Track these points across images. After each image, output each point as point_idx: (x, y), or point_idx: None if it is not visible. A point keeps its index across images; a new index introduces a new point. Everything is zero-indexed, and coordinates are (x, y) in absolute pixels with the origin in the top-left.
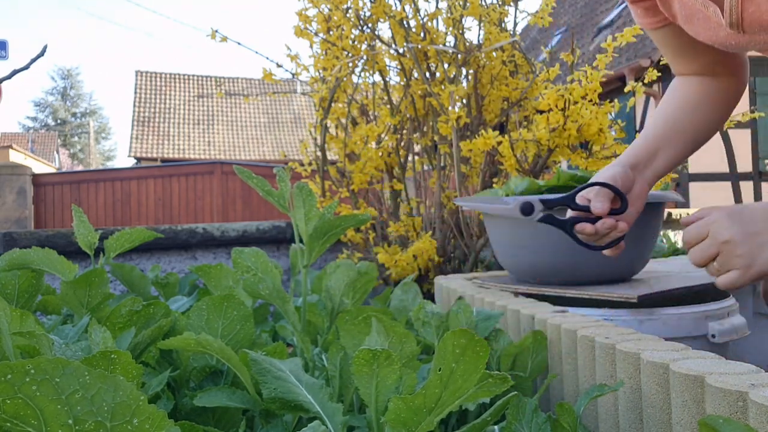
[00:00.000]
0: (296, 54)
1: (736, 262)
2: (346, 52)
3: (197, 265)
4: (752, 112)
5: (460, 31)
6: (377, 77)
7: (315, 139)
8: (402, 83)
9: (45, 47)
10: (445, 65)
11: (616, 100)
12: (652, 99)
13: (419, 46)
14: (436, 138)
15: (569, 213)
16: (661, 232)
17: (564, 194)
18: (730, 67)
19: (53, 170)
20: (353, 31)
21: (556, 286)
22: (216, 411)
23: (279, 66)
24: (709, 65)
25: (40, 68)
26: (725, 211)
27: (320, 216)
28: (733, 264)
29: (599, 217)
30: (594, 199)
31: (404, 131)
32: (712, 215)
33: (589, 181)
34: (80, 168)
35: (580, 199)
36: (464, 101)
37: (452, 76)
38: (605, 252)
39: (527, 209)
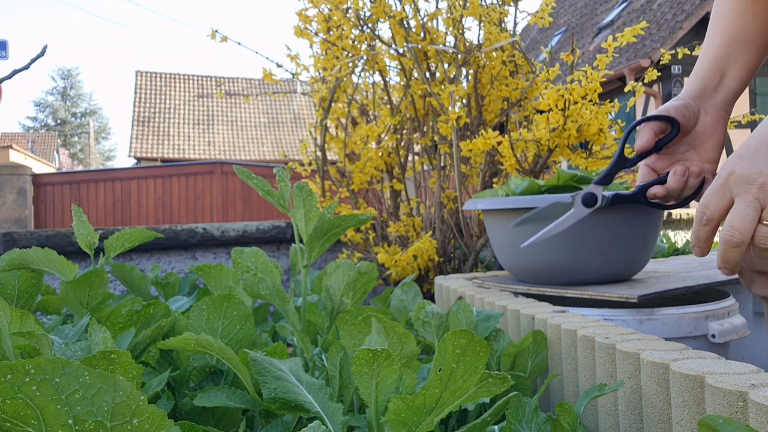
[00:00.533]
0: (296, 54)
1: None
2: (346, 52)
3: (197, 265)
4: (752, 113)
5: (460, 31)
6: (377, 77)
7: (315, 139)
8: (402, 83)
9: (45, 47)
10: (445, 65)
11: (616, 100)
12: (652, 99)
13: (419, 46)
14: (436, 138)
15: (639, 176)
16: (661, 232)
17: (611, 164)
18: None
19: (53, 170)
20: (353, 31)
21: (556, 286)
22: (216, 411)
23: (279, 66)
24: None
25: (40, 68)
26: (732, 158)
27: (320, 216)
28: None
29: (665, 180)
30: (637, 137)
31: (404, 131)
32: (719, 175)
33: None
34: (80, 168)
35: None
36: (464, 101)
37: (452, 76)
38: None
39: (590, 200)
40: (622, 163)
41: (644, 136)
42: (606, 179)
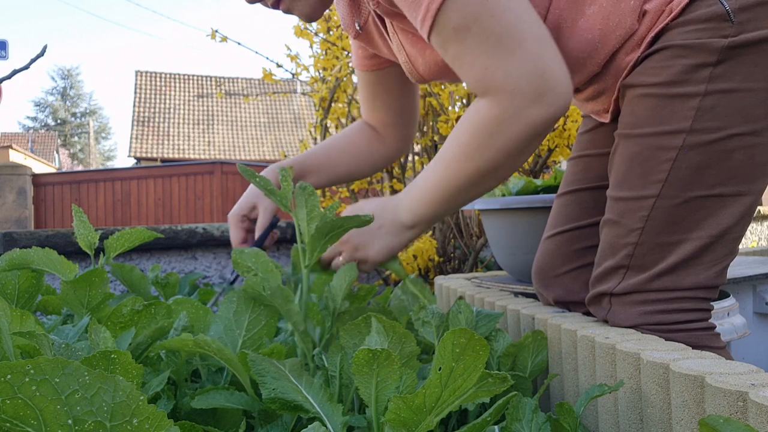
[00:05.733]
0: (296, 54)
1: (355, 255)
2: (346, 52)
3: (197, 264)
4: None
5: None
6: None
7: (315, 139)
8: None
9: (45, 47)
10: None
11: None
12: None
13: None
14: (436, 138)
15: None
16: None
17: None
18: (398, 137)
19: (53, 170)
20: None
21: None
22: (216, 411)
23: (279, 66)
24: (385, 125)
25: (40, 68)
26: (349, 209)
27: (322, 216)
28: (354, 257)
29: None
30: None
31: None
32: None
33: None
34: (80, 168)
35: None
36: (464, 101)
37: None
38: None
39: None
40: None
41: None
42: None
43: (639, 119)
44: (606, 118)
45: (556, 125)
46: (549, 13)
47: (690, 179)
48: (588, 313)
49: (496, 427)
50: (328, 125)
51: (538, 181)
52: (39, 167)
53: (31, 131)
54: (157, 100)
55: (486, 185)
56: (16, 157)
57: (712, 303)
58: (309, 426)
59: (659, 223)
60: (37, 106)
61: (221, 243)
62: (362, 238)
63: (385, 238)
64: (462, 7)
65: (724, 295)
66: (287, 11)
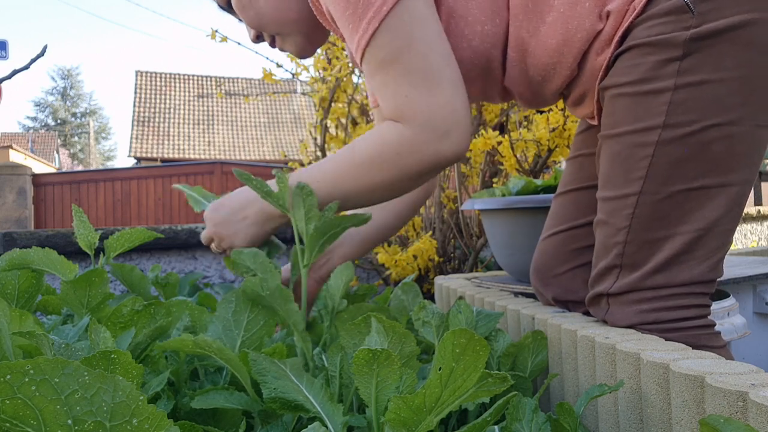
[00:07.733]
0: None
1: (222, 245)
2: (346, 53)
3: (197, 264)
4: None
5: None
6: None
7: (315, 139)
8: None
9: (45, 47)
10: None
11: None
12: None
13: None
14: None
15: None
16: None
17: None
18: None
19: (53, 170)
20: None
21: None
22: (216, 410)
23: (279, 66)
24: None
25: (40, 68)
26: (212, 205)
27: (320, 216)
28: (222, 246)
29: None
30: None
31: None
32: (206, 212)
33: None
34: (80, 168)
35: None
36: None
37: None
38: None
39: None
40: None
41: None
42: None
43: (616, 119)
44: (596, 121)
45: (557, 125)
46: (510, 27)
47: (670, 174)
48: (588, 313)
49: (496, 427)
50: (328, 125)
51: (538, 181)
52: (39, 167)
53: (31, 131)
54: (157, 100)
55: (368, 199)
56: (16, 157)
57: (711, 302)
58: (309, 426)
59: (645, 220)
60: (37, 106)
61: None
62: (226, 229)
63: (249, 228)
64: (389, 41)
65: (724, 295)
66: (281, 50)
